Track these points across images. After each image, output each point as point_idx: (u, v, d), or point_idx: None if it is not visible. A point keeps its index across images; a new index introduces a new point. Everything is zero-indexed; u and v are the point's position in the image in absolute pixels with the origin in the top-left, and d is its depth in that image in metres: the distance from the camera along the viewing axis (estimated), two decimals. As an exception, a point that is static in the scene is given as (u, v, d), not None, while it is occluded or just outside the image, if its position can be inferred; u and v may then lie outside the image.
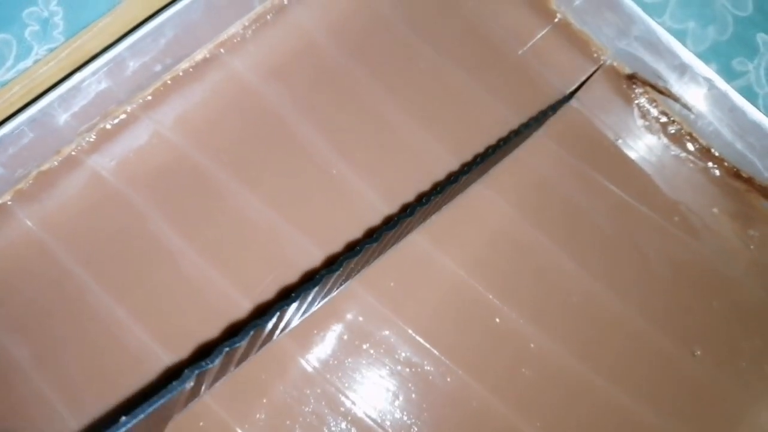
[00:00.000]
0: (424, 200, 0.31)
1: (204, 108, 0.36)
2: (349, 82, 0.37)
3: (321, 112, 0.36)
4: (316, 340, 0.32)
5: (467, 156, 0.36)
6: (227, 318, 0.33)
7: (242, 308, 0.32)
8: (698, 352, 0.33)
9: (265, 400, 0.31)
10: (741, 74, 0.44)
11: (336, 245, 0.34)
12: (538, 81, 0.37)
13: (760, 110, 0.35)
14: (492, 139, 0.36)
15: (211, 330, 0.32)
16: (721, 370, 0.33)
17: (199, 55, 0.36)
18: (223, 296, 0.33)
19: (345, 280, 0.33)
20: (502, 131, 0.36)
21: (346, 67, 0.37)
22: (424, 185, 0.35)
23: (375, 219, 0.34)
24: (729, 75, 0.43)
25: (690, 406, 0.33)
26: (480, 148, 0.36)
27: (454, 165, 0.36)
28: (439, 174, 0.35)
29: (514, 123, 0.36)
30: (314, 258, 0.34)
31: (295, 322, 0.32)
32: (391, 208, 0.35)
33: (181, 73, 0.36)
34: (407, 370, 0.32)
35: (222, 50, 0.36)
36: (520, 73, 0.37)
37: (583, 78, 0.38)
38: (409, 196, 0.35)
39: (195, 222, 0.34)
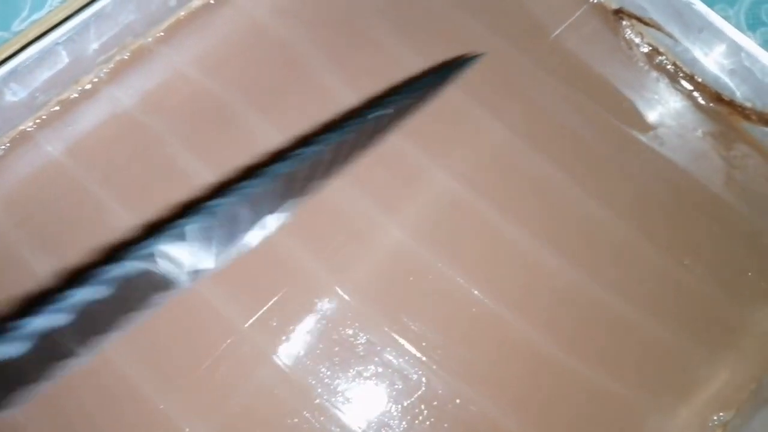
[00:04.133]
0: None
1: (216, 41, 0.38)
2: (357, 19, 0.39)
3: (328, 43, 0.38)
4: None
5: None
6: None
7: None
8: (687, 262, 0.35)
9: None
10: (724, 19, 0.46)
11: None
12: (528, 15, 0.40)
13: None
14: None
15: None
16: (708, 278, 0.35)
17: (210, -7, 0.38)
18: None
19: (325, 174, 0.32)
20: (497, 62, 0.38)
21: (355, 6, 0.39)
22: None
23: None
24: (709, 20, 0.46)
25: (679, 311, 0.34)
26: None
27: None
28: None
29: (510, 56, 0.39)
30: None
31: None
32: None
33: (194, 9, 0.38)
34: (397, 267, 0.34)
35: (231, -12, 0.39)
36: (513, 8, 0.40)
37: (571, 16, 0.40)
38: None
39: (210, 146, 0.36)
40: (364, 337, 0.32)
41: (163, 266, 0.25)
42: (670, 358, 0.34)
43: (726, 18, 0.46)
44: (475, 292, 0.34)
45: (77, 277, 0.25)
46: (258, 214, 0.29)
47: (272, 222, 0.30)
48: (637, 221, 0.36)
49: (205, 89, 0.37)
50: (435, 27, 0.39)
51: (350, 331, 0.32)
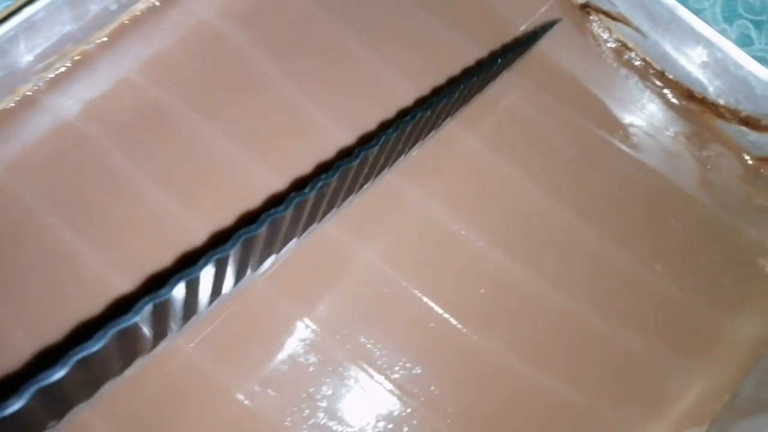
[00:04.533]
0: (413, 115, 0.29)
1: (162, 46, 0.36)
2: (309, 21, 0.37)
3: (279, 47, 0.36)
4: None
5: (429, 88, 0.36)
6: (187, 248, 0.33)
7: (201, 238, 0.33)
8: (658, 268, 0.34)
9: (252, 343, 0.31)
10: (698, 12, 0.44)
11: (295, 173, 0.34)
12: (492, 11, 0.38)
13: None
14: (455, 72, 0.36)
15: (172, 260, 0.32)
16: (681, 285, 0.34)
17: (155, -5, 0.36)
18: (181, 226, 0.33)
19: (320, 218, 0.32)
20: (463, 64, 0.37)
21: (307, 7, 0.38)
22: (387, 115, 0.35)
23: (333, 148, 0.34)
24: (685, 12, 0.44)
25: (650, 320, 0.33)
26: (442, 81, 0.36)
27: (415, 96, 0.36)
28: (405, 105, 0.36)
29: (475, 57, 0.37)
30: (275, 187, 0.34)
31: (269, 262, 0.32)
32: (351, 138, 0.35)
33: (138, 13, 0.36)
34: (370, 290, 0.32)
35: (178, -10, 0.37)
36: (478, 6, 0.38)
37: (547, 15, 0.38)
38: (372, 127, 0.35)
39: (155, 156, 0.34)
40: (315, 357, 0.31)
41: (144, 333, 0.24)
42: (640, 369, 0.32)
43: (701, 10, 0.44)
44: (436, 306, 0.32)
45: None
46: (237, 275, 0.28)
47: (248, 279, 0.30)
48: (605, 226, 0.34)
49: (152, 97, 0.35)
50: (394, 26, 0.37)
51: (301, 350, 0.31)
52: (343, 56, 0.37)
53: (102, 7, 0.34)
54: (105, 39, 0.36)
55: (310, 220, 0.29)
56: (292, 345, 0.31)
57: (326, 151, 0.34)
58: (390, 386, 0.30)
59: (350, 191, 0.31)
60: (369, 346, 0.31)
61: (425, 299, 0.32)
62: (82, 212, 0.33)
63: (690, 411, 0.32)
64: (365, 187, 0.32)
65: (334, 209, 0.31)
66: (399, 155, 0.32)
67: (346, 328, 0.31)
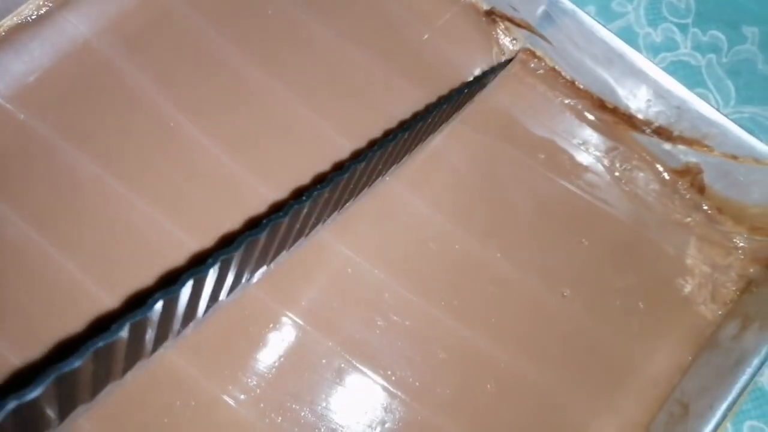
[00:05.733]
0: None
1: (35, 67, 0.33)
2: (211, 50, 0.34)
3: (168, 69, 0.34)
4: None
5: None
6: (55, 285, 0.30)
7: (68, 272, 0.30)
8: (567, 293, 0.31)
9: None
10: (621, 15, 0.42)
11: (175, 205, 0.31)
12: (388, 19, 0.35)
13: (641, 52, 0.33)
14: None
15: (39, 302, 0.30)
16: (591, 310, 0.31)
17: (26, 10, 0.34)
18: (44, 257, 0.30)
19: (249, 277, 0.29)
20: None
21: (208, 34, 0.35)
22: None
23: (222, 181, 0.32)
24: (609, 16, 0.42)
25: (558, 350, 0.30)
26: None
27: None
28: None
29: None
30: (153, 222, 0.31)
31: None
32: (238, 166, 0.32)
33: (9, 29, 0.33)
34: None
35: (51, 4, 0.34)
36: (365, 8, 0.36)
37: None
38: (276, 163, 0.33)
39: (26, 193, 0.31)
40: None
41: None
42: (546, 407, 0.29)
43: (624, 14, 0.42)
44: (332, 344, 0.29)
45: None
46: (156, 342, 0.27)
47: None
48: (509, 248, 0.32)
49: (22, 122, 0.33)
50: (282, 36, 0.35)
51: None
52: (236, 73, 0.34)
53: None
54: (-29, 56, 0.33)
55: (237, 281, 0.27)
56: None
57: (222, 188, 0.32)
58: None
59: (280, 248, 0.29)
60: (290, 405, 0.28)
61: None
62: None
63: (600, 451, 0.29)
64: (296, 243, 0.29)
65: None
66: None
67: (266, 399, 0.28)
